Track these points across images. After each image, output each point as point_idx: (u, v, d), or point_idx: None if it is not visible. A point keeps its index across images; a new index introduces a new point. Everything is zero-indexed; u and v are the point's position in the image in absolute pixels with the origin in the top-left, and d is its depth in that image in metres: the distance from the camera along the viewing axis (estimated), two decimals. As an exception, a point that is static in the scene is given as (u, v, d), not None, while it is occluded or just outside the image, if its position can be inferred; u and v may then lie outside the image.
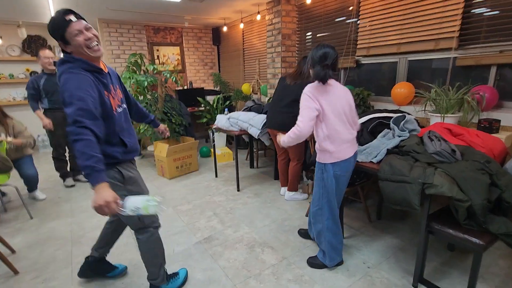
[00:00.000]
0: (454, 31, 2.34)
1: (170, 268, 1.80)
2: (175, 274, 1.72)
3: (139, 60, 4.29)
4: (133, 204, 1.16)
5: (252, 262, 1.94)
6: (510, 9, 2.10)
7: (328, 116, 1.61)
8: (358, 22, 3.12)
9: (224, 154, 4.18)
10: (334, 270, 1.83)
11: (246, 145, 4.43)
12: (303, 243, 2.13)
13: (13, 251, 2.11)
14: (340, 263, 1.87)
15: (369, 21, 2.99)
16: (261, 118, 2.96)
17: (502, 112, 2.15)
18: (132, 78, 3.94)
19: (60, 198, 3.12)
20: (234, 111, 5.00)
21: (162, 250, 1.60)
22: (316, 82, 1.64)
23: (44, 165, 4.24)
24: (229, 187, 3.25)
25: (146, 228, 1.48)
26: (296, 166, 2.71)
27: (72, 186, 3.43)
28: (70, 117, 1.10)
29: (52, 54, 3.11)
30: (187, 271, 1.81)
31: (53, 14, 3.70)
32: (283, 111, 2.55)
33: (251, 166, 3.92)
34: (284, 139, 1.71)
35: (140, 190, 1.49)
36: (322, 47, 1.63)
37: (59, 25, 1.19)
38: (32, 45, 5.00)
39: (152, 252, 1.55)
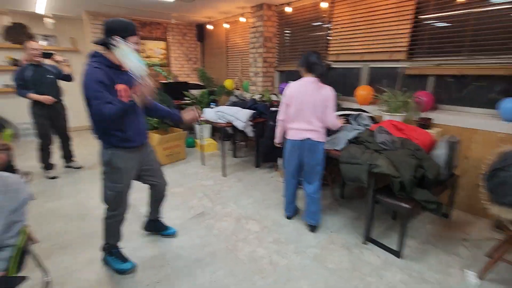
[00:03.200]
0: (404, 46, 2.90)
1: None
2: (122, 259, 1.88)
3: (127, 54, 4.49)
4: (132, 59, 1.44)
5: (239, 230, 2.37)
6: (445, 32, 2.68)
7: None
8: (330, 32, 3.61)
9: (209, 144, 4.55)
10: (305, 234, 2.33)
11: (229, 136, 4.82)
12: (281, 216, 2.60)
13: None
14: (288, 216, 2.56)
15: (339, 32, 3.49)
16: (246, 112, 3.38)
17: (436, 113, 2.74)
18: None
19: (57, 182, 3.33)
20: (217, 105, 5.35)
21: (113, 232, 1.87)
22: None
23: (29, 152, 4.34)
24: (215, 173, 3.65)
25: (107, 209, 1.82)
26: None
27: (54, 178, 3.42)
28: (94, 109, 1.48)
29: (39, 45, 3.10)
30: (131, 268, 1.87)
31: (43, 3, 3.75)
32: None
33: (234, 155, 4.34)
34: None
35: (117, 180, 1.69)
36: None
37: (131, 29, 1.56)
38: (13, 32, 4.97)
39: (106, 227, 1.87)
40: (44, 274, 1.71)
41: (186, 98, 5.15)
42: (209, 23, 5.41)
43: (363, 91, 3.18)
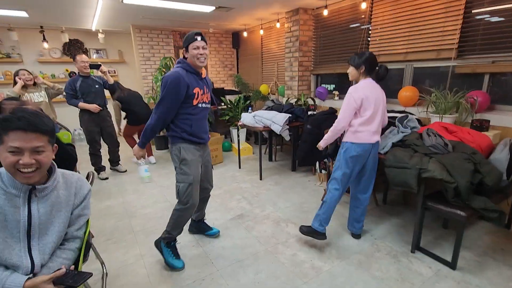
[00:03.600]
0: (454, 43, 2.72)
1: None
2: (176, 255, 1.98)
3: (169, 63, 4.78)
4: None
5: (279, 233, 2.37)
6: (500, 27, 2.47)
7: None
8: (369, 32, 3.51)
9: (245, 148, 4.62)
10: (347, 240, 2.26)
11: (265, 140, 4.86)
12: (320, 221, 2.55)
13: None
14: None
15: (379, 32, 3.38)
16: (283, 116, 3.39)
17: (492, 114, 2.51)
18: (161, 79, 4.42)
19: (107, 183, 3.61)
20: (252, 109, 5.43)
21: (179, 225, 1.99)
22: None
23: (82, 156, 4.75)
24: (252, 176, 3.70)
25: (180, 202, 1.93)
26: None
27: (106, 178, 3.71)
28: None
29: (87, 58, 3.42)
30: (181, 267, 1.96)
31: (96, 21, 4.14)
32: None
33: (270, 159, 4.36)
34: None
35: (187, 172, 1.84)
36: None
37: (188, 39, 1.74)
38: (71, 48, 5.54)
39: (175, 219, 1.99)
40: (102, 266, 1.86)
41: (222, 104, 5.31)
42: (245, 30, 5.54)
43: (407, 92, 3.02)
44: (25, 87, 3.16)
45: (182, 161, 1.85)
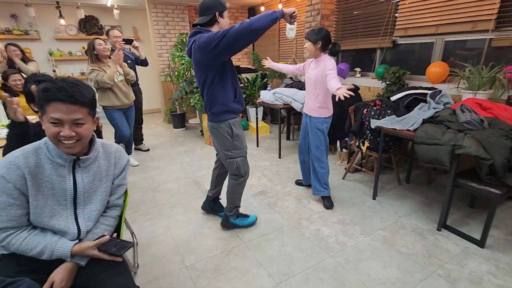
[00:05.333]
0: (493, 13, 2.53)
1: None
2: (246, 216, 2.18)
3: (185, 39, 4.69)
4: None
5: (302, 209, 2.39)
6: (548, -7, 2.27)
7: None
8: (398, 3, 3.30)
9: (262, 127, 4.59)
10: (370, 217, 2.25)
11: (281, 119, 4.80)
12: (343, 198, 2.55)
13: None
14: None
15: (408, 2, 3.17)
16: (303, 93, 3.31)
17: (531, 90, 2.37)
18: (178, 56, 4.36)
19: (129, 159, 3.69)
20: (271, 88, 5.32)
21: (241, 194, 2.09)
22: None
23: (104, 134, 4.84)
24: (271, 154, 3.69)
25: (240, 176, 1.97)
26: None
27: (128, 155, 3.85)
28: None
29: (120, 33, 3.35)
30: (256, 219, 2.21)
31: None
32: None
33: (288, 138, 4.32)
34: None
35: (240, 145, 1.91)
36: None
37: (224, 4, 1.68)
38: (87, 25, 5.49)
39: (236, 193, 2.04)
40: (132, 236, 1.94)
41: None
42: (262, 4, 5.33)
43: (437, 68, 2.87)
44: (101, 61, 2.89)
45: (235, 137, 1.86)
